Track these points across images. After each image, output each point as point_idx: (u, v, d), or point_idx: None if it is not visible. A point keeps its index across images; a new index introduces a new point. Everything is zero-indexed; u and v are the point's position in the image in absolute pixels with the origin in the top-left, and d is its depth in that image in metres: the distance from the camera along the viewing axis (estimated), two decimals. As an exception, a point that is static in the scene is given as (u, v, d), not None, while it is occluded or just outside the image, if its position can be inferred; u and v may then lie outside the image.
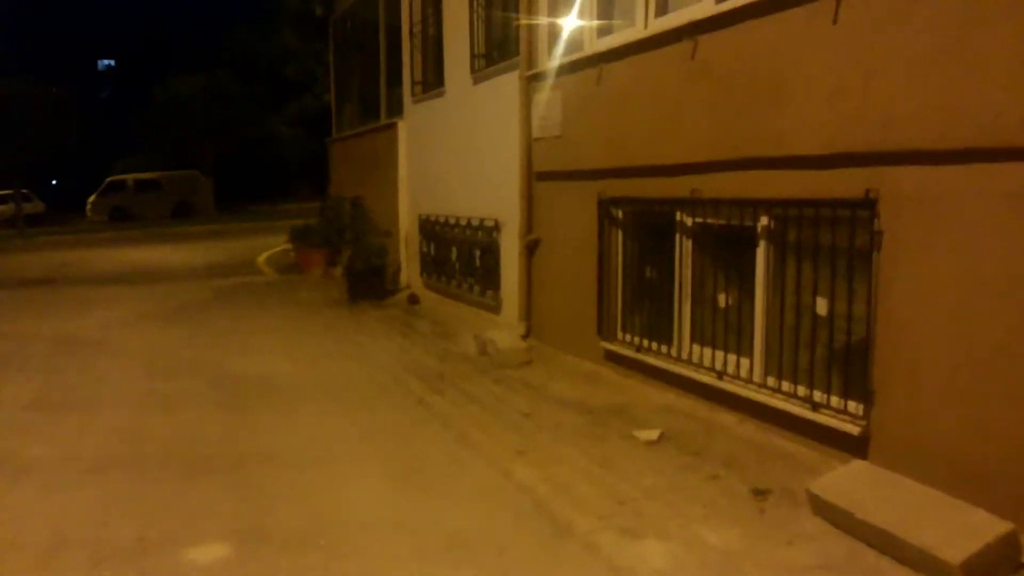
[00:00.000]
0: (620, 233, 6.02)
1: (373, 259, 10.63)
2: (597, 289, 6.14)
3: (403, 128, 10.89)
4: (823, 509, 3.62)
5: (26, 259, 19.44)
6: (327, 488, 4.24)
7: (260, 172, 39.46)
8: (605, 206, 6.04)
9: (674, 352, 5.41)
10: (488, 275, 8.40)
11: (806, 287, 4.34)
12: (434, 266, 10.02)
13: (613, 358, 6.07)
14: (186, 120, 36.31)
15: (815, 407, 4.22)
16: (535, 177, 7.18)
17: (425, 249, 10.28)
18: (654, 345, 5.59)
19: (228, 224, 29.28)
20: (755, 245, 4.67)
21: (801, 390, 4.34)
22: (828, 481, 3.74)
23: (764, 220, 4.59)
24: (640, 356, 5.69)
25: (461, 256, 9.13)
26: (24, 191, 34.93)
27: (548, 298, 7.09)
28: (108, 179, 36.65)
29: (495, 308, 8.30)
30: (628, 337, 5.92)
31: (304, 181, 38.08)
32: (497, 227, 8.14)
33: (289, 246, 15.14)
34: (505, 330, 7.30)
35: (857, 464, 3.91)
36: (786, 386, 4.44)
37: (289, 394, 6.04)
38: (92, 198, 36.19)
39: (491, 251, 8.31)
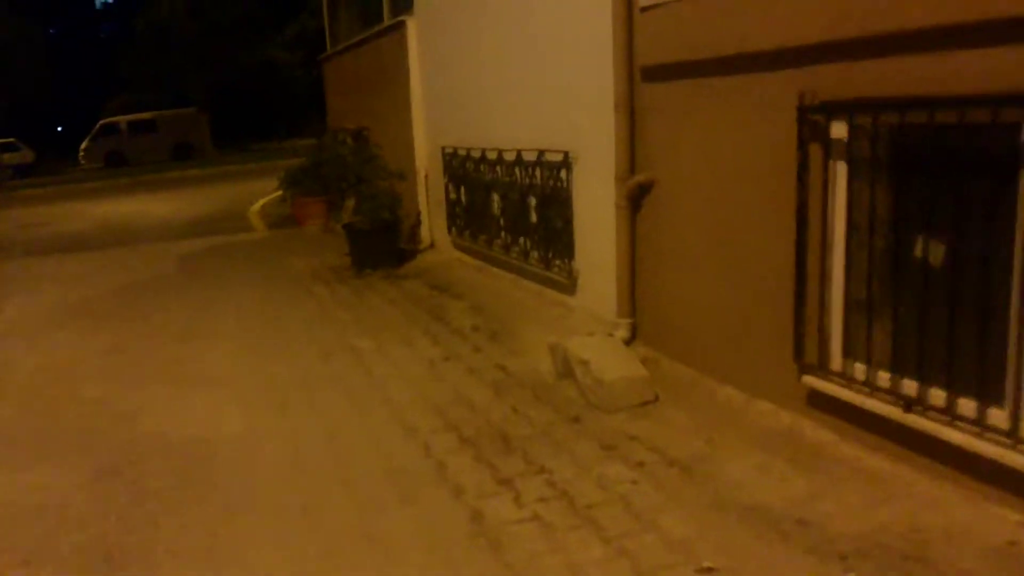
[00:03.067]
0: (846, 169, 3.09)
1: (383, 212, 7.74)
2: (794, 274, 3.26)
3: (413, 26, 7.85)
4: None
5: (-11, 219, 16.78)
6: None
7: (262, 106, 35.96)
8: (813, 118, 3.11)
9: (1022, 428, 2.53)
10: (553, 237, 5.52)
11: None
12: (467, 219, 7.14)
13: (832, 408, 3.21)
14: (170, 49, 32.89)
15: None
16: (641, 76, 4.23)
17: (453, 195, 7.37)
18: (957, 403, 2.71)
19: (227, 166, 26.29)
20: None
21: None
22: None
23: None
24: (918, 423, 2.81)
25: (507, 206, 6.24)
26: (9, 140, 32.21)
27: (673, 281, 4.22)
28: (100, 122, 33.66)
29: (567, 288, 5.45)
30: (867, 373, 3.05)
31: (313, 114, 34.60)
32: (566, 163, 5.23)
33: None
34: (597, 335, 4.43)
35: None
36: None
37: (224, 507, 3.20)
38: (84, 144, 33.33)
39: (557, 199, 5.41)
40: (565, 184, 5.29)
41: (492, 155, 6.34)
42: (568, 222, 5.31)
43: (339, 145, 10.07)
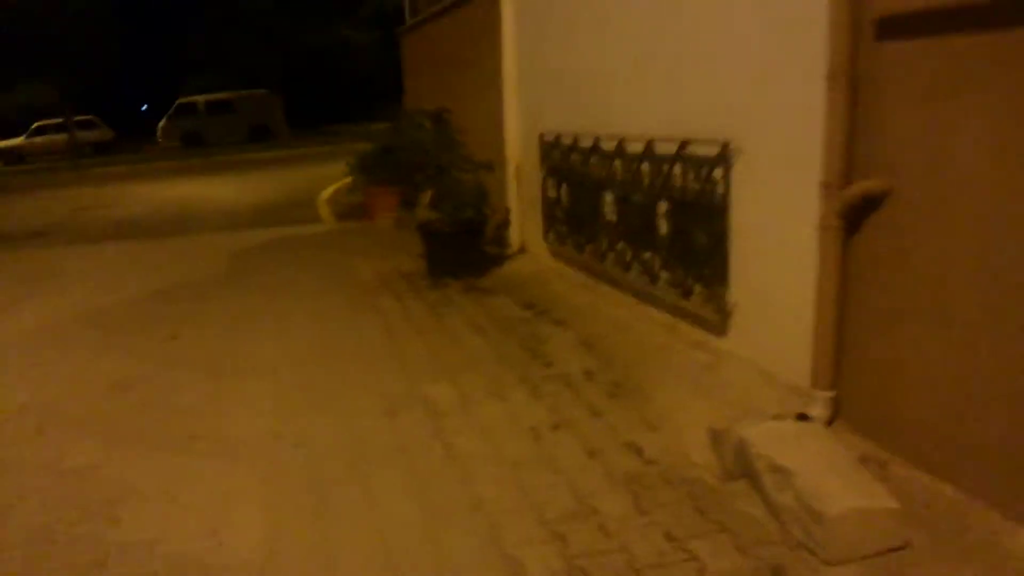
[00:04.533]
0: None
1: (467, 211, 6.43)
2: None
3: (510, -13, 6.50)
4: None
5: (54, 196, 16.28)
6: None
7: (337, 88, 35.10)
8: None
9: None
10: (694, 256, 4.10)
11: None
12: (570, 224, 5.76)
13: None
14: (243, 29, 32.19)
15: None
16: (876, 31, 2.77)
17: (552, 193, 6.00)
18: None
19: (302, 149, 25.57)
20: None
21: None
22: None
23: None
24: None
25: (627, 211, 4.83)
26: (88, 117, 32.14)
27: (923, 346, 2.75)
28: (177, 101, 33.31)
29: (714, 326, 4.03)
30: None
31: (390, 97, 33.59)
32: (723, 157, 3.79)
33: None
34: (789, 419, 3.01)
35: None
36: None
37: None
38: (162, 123, 33.08)
39: (703, 206, 3.98)
40: (720, 186, 3.85)
41: (608, 145, 4.95)
42: (720, 238, 3.88)
43: (416, 129, 8.78)
